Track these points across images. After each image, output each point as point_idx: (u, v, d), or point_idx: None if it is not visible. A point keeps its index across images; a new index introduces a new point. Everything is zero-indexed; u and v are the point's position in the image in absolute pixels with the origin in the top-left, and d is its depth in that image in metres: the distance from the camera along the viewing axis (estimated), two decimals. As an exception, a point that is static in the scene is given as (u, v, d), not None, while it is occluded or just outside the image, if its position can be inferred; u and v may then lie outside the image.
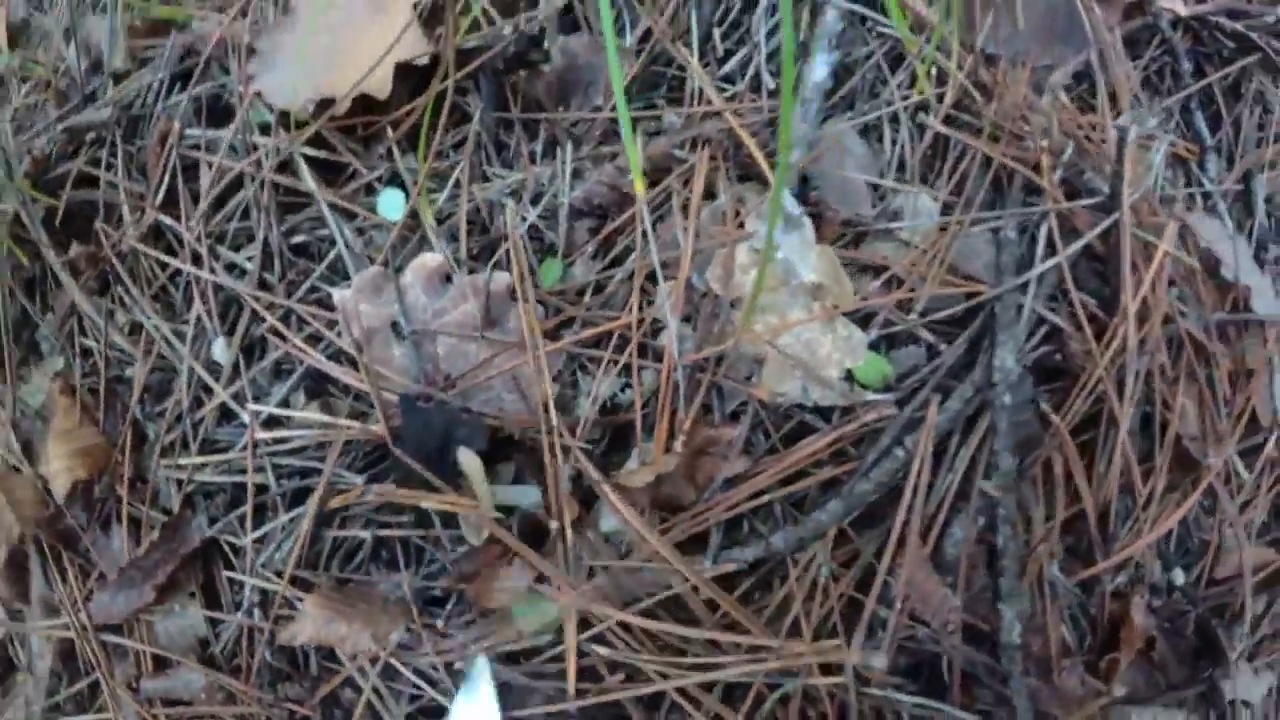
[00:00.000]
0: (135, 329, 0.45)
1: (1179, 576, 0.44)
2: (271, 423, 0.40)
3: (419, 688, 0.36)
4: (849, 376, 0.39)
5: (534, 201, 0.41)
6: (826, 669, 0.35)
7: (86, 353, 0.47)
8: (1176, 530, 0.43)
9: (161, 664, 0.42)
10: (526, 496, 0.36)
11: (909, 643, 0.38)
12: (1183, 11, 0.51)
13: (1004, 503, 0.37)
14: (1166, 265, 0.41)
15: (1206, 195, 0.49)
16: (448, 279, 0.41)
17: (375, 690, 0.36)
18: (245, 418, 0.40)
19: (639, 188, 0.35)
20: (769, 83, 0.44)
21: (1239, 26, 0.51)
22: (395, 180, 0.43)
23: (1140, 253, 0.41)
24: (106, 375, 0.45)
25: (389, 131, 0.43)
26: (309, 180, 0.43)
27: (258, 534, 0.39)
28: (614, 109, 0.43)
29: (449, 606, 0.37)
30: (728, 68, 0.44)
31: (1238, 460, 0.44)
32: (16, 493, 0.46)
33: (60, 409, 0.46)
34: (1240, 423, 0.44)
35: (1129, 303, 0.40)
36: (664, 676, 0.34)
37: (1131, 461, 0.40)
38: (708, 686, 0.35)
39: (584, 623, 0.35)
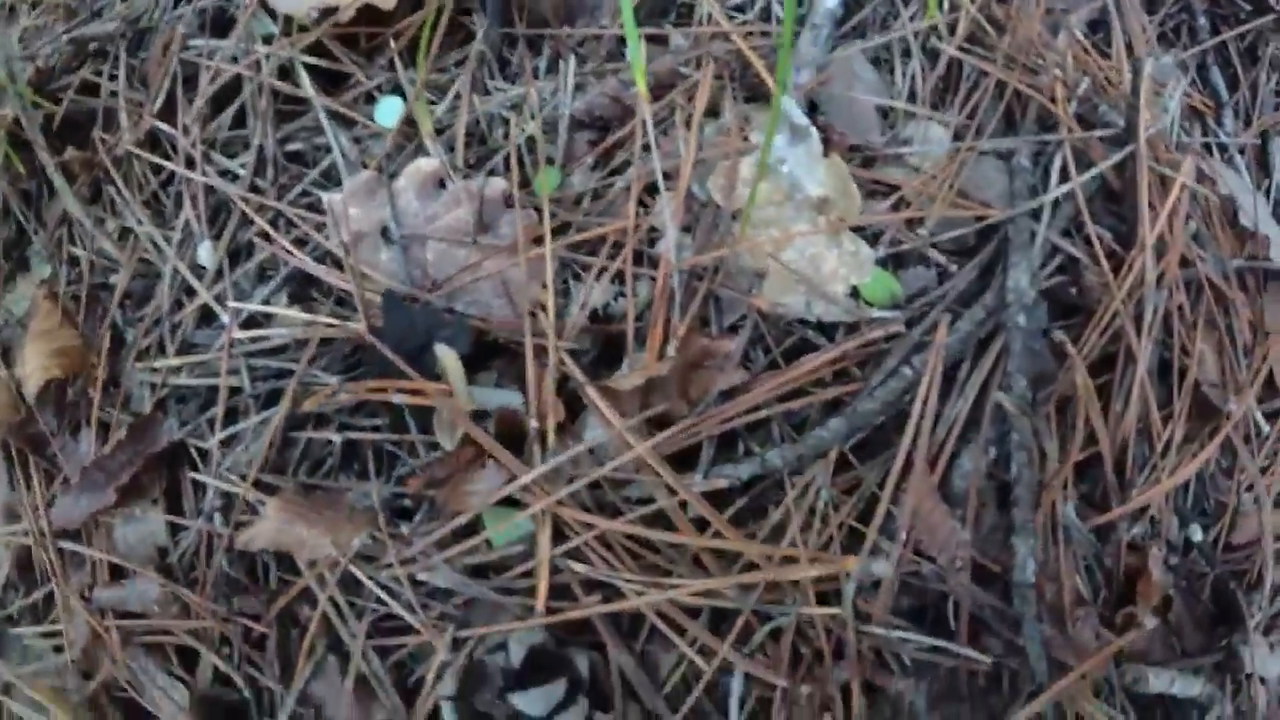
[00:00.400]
0: (124, 235, 0.45)
1: (1196, 533, 0.40)
2: (250, 324, 0.38)
3: (381, 601, 0.34)
4: (855, 293, 0.37)
5: (534, 115, 0.41)
6: (822, 599, 0.33)
7: (74, 261, 0.46)
8: (1194, 488, 0.40)
9: (118, 573, 0.40)
10: (507, 399, 0.34)
11: (913, 580, 0.35)
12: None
13: (1018, 427, 0.34)
14: (1185, 199, 0.39)
15: (1223, 147, 0.48)
16: (442, 184, 0.40)
17: (334, 602, 0.34)
18: (225, 318, 0.39)
19: (642, 91, 0.34)
20: (779, 11, 0.43)
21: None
22: (396, 91, 0.43)
23: (1157, 187, 0.40)
24: (91, 281, 0.44)
25: (391, 43, 0.43)
26: (308, 87, 0.42)
27: (225, 434, 0.37)
28: (621, 27, 0.42)
29: (417, 517, 0.35)
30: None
31: (1259, 415, 0.41)
32: (-10, 395, 0.45)
33: (41, 312, 0.45)
34: (1259, 376, 0.41)
35: (1146, 236, 0.38)
36: (642, 596, 0.32)
37: (1150, 402, 0.38)
38: (693, 611, 0.32)
39: (559, 536, 0.33)
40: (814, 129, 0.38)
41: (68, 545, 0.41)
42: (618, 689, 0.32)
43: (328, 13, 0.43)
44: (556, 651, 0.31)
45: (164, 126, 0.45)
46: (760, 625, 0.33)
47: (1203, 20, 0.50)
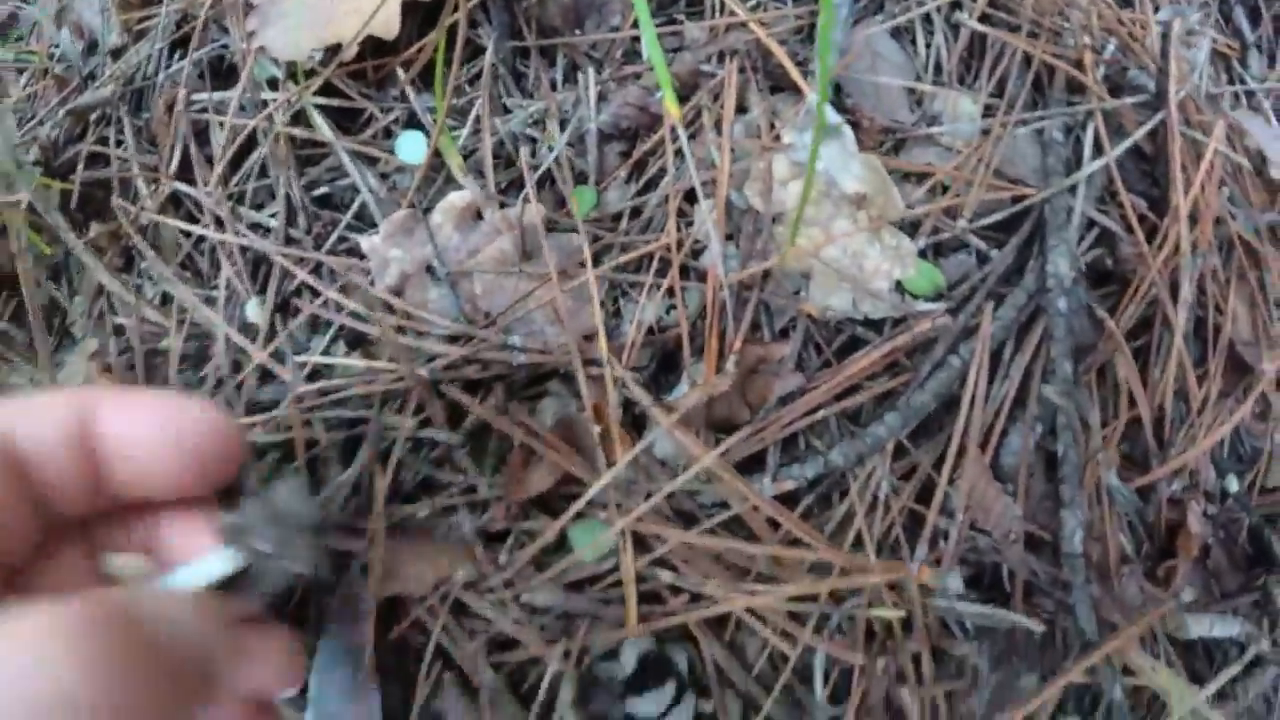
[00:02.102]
0: (165, 300, 0.47)
1: (1233, 484, 0.45)
2: (314, 376, 0.41)
3: (488, 622, 0.38)
4: (899, 287, 0.39)
5: (559, 129, 0.42)
6: (890, 583, 0.37)
7: (119, 330, 0.48)
8: (1229, 437, 0.44)
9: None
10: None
11: (971, 554, 0.39)
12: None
13: (1064, 409, 0.38)
14: (1218, 165, 0.41)
15: (1250, 93, 0.49)
16: (478, 216, 0.42)
17: (445, 629, 0.38)
18: (286, 376, 0.41)
19: (671, 107, 0.35)
20: (793, -9, 0.44)
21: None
22: (413, 122, 0.43)
23: (1189, 152, 0.42)
24: (142, 349, 0.47)
25: (401, 73, 0.44)
26: (325, 130, 0.43)
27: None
28: (633, 26, 0.43)
29: (508, 543, 0.39)
30: (749, -20, 0.44)
31: None
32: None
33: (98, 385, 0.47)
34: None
35: (1180, 204, 0.40)
36: (727, 598, 0.36)
37: (1187, 366, 0.41)
38: (773, 605, 0.37)
39: (642, 547, 0.37)
40: (846, 126, 0.40)
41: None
42: (714, 679, 0.37)
43: (332, 51, 0.43)
44: (660, 653, 0.35)
45: (184, 188, 0.46)
46: (836, 608, 0.37)
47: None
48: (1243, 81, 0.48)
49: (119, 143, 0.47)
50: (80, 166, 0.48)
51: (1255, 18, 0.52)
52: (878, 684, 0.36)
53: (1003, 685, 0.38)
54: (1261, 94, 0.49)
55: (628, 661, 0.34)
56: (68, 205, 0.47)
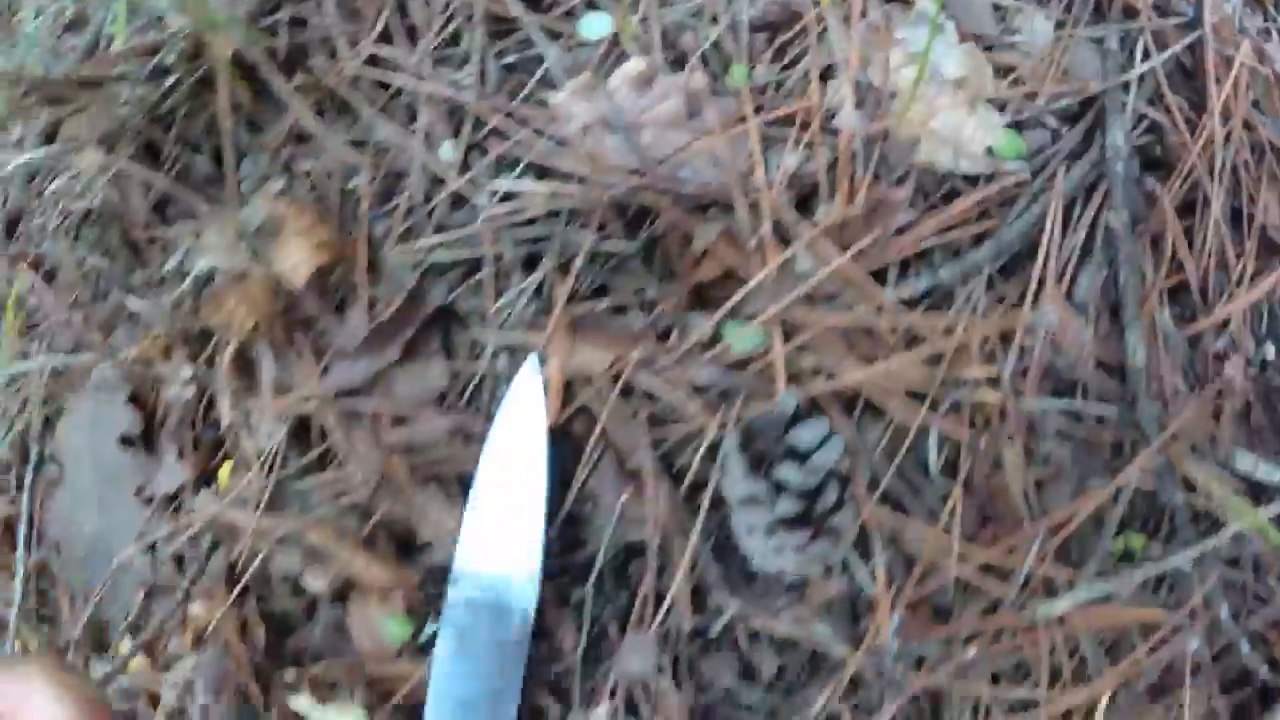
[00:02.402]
0: (358, 145, 0.55)
1: (1270, 352, 0.54)
2: (503, 199, 0.49)
3: (653, 399, 0.45)
4: (989, 151, 0.49)
5: (714, 22, 0.52)
6: (990, 382, 0.46)
7: (306, 174, 0.56)
8: (1265, 315, 0.54)
9: (398, 421, 0.51)
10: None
11: (1050, 371, 0.48)
12: None
13: (1123, 242, 0.47)
14: (1245, 75, 0.52)
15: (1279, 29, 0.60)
16: (649, 82, 0.51)
17: (611, 412, 0.45)
18: (479, 199, 0.49)
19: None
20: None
21: None
22: (594, 5, 0.53)
23: (1221, 65, 0.53)
24: (331, 188, 0.54)
25: (586, -35, 0.54)
26: (517, 6, 0.53)
27: (493, 298, 0.49)
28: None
29: (673, 334, 0.47)
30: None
31: None
32: (248, 290, 0.55)
33: (291, 215, 0.55)
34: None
35: (1214, 103, 0.51)
36: (857, 376, 0.44)
37: (1225, 239, 0.51)
38: (895, 387, 0.45)
39: (788, 337, 0.45)
40: (950, 23, 0.50)
41: (347, 403, 0.52)
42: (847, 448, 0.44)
43: (529, -60, 0.53)
44: (812, 404, 0.43)
45: (384, 50, 0.54)
46: (944, 398, 0.45)
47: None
48: (1274, 21, 0.60)
49: (318, 7, 0.56)
50: (281, 29, 0.56)
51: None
52: (981, 463, 0.44)
53: (1082, 479, 0.46)
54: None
55: (787, 404, 0.42)
56: (273, 56, 0.55)
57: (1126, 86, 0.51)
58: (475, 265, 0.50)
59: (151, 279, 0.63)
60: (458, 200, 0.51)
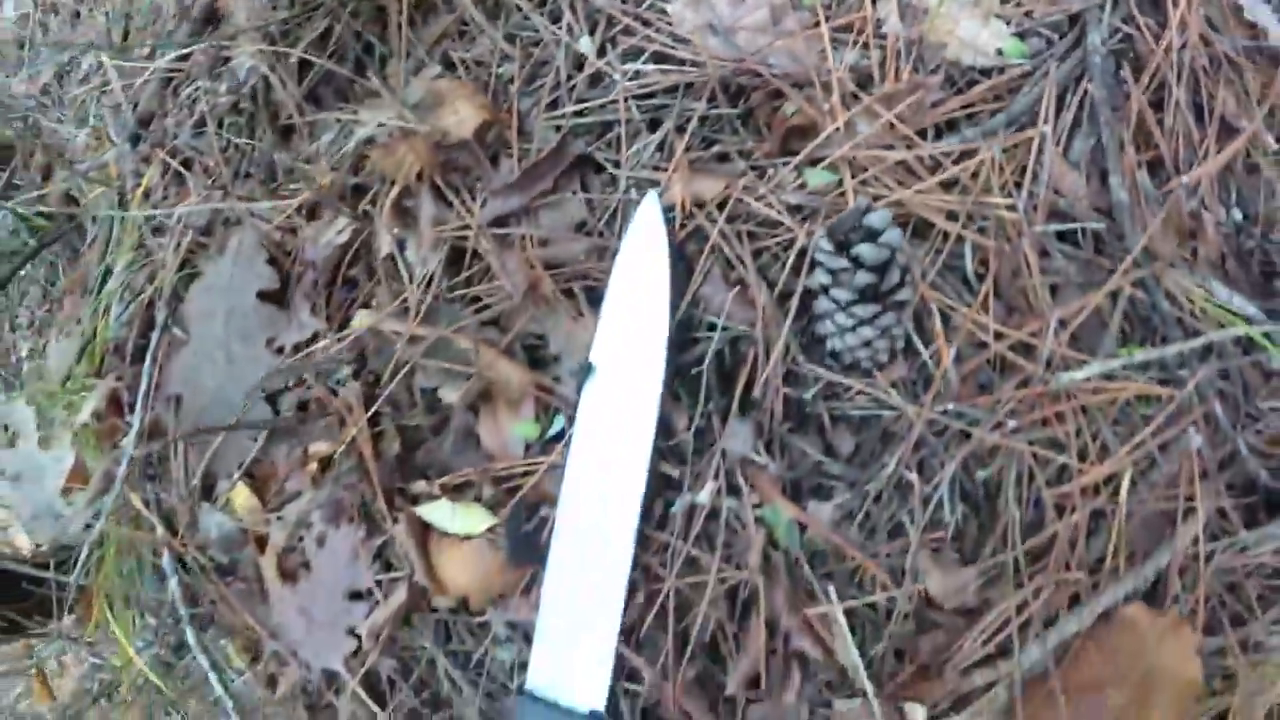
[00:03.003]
0: (509, 39, 0.71)
1: (1237, 214, 0.68)
2: (632, 78, 0.65)
3: (753, 216, 0.60)
4: (999, 52, 0.66)
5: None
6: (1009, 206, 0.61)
7: (462, 62, 0.72)
8: (1234, 187, 0.68)
9: (543, 243, 0.65)
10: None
11: (1052, 208, 0.63)
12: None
13: (1104, 107, 0.63)
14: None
15: None
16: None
17: (721, 232, 0.60)
18: (614, 76, 0.65)
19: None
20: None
21: None
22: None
23: (1179, -9, 0.70)
24: (481, 74, 0.70)
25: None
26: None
27: (625, 149, 0.64)
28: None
29: (768, 172, 0.62)
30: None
31: (1269, 137, 0.70)
32: (414, 144, 0.69)
33: (453, 86, 0.70)
34: (1266, 107, 0.70)
35: (1173, 18, 0.68)
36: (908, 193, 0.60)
37: (1190, 124, 0.67)
38: (935, 204, 0.60)
39: (854, 174, 0.61)
40: (969, -41, 0.68)
41: (497, 230, 0.67)
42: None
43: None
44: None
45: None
46: (969, 227, 0.60)
47: None
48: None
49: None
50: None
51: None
52: (1005, 265, 0.59)
53: (1084, 289, 0.61)
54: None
55: (861, 203, 0.57)
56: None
57: (1103, 6, 0.68)
58: (609, 127, 0.66)
59: (298, 155, 0.75)
60: (594, 80, 0.67)
